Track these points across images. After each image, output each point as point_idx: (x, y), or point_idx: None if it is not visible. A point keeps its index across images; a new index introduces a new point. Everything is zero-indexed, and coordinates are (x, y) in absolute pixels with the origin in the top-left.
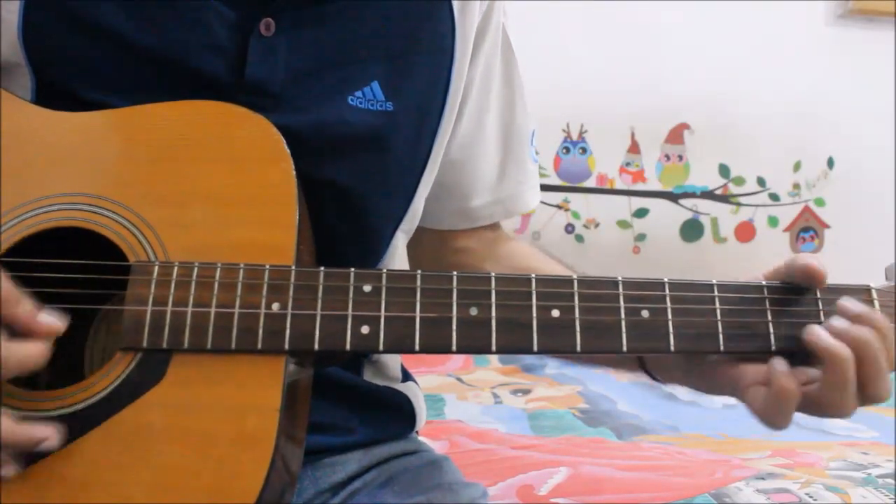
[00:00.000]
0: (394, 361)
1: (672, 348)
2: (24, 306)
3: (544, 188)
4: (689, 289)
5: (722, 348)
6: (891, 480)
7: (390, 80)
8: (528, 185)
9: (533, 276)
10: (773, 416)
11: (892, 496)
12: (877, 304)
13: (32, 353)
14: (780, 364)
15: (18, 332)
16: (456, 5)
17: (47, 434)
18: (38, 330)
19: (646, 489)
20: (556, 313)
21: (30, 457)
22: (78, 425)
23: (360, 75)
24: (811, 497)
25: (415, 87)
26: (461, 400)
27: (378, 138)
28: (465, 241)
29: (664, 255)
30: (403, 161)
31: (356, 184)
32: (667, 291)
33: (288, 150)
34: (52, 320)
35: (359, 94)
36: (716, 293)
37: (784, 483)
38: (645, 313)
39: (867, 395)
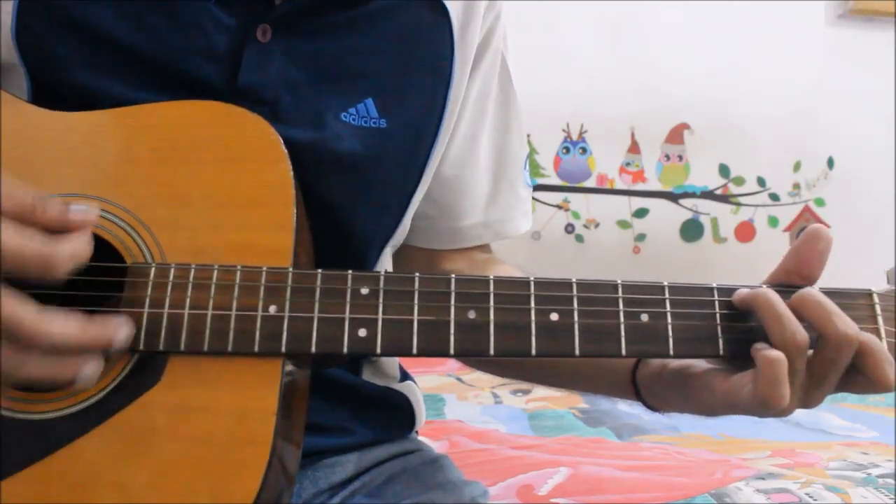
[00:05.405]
0: (391, 360)
1: (671, 352)
2: (52, 206)
3: (544, 188)
4: (689, 292)
5: (722, 352)
6: (891, 480)
7: (385, 99)
8: (519, 210)
9: (531, 278)
10: (768, 392)
11: (892, 496)
12: (878, 308)
13: (79, 245)
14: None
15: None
16: (456, 27)
17: (120, 325)
18: (74, 223)
19: (646, 489)
20: (555, 317)
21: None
22: (75, 427)
23: (354, 91)
24: (811, 497)
25: (410, 107)
26: (461, 400)
27: (370, 155)
28: (455, 262)
29: (664, 255)
30: (395, 179)
31: (346, 200)
32: (666, 295)
33: (286, 151)
34: (84, 209)
35: (352, 110)
36: (716, 297)
37: (784, 483)
38: (644, 317)
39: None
